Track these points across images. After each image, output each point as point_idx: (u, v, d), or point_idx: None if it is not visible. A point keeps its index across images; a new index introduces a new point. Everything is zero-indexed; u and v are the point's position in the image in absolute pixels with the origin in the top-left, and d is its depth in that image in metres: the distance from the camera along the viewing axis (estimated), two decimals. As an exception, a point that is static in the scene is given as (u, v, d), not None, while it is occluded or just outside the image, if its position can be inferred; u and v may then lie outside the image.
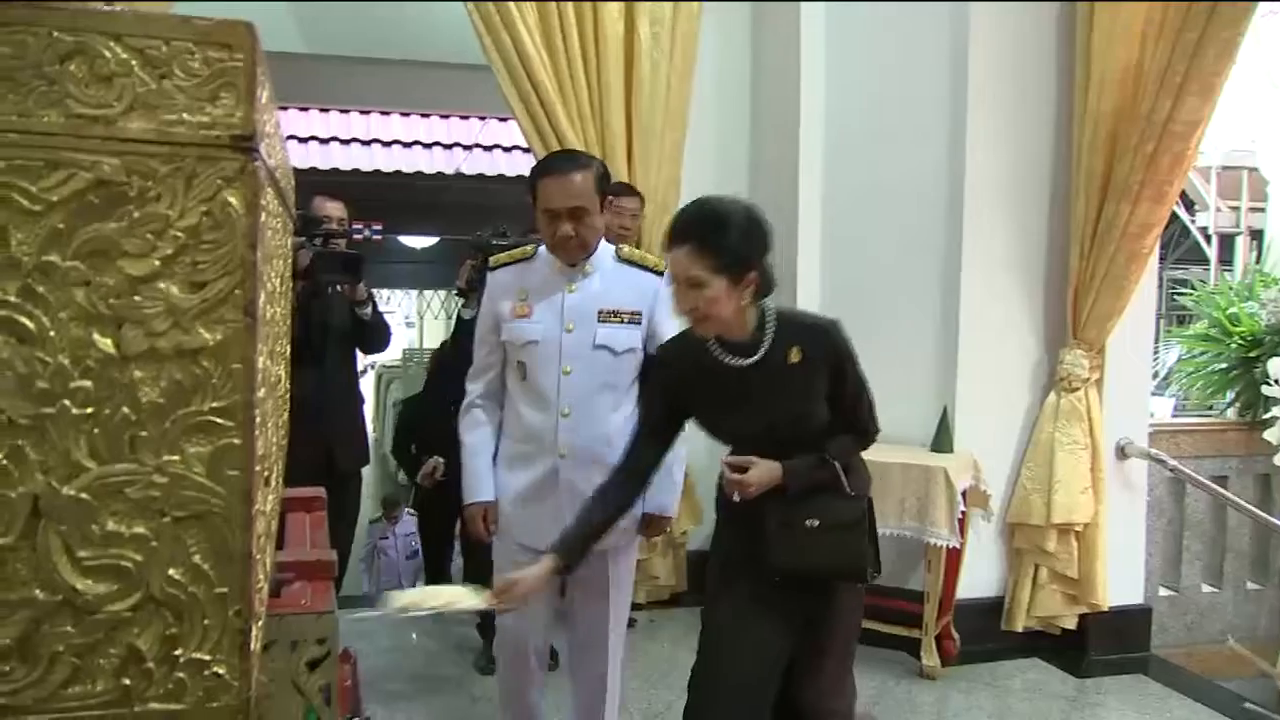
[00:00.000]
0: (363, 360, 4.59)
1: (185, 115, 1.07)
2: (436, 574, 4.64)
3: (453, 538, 4.61)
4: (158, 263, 1.07)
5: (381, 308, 4.24)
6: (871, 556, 2.46)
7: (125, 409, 1.08)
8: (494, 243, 3.78)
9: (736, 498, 2.37)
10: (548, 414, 2.73)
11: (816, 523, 2.38)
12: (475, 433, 2.86)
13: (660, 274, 2.78)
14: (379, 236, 3.86)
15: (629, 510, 2.56)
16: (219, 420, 1.09)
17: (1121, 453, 4.43)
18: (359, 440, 4.19)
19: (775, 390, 2.35)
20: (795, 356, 2.33)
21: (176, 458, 1.09)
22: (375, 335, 4.03)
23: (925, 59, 4.41)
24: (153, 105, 1.07)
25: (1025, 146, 4.35)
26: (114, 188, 1.06)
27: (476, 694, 3.95)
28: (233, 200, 1.08)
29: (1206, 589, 5.05)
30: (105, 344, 1.07)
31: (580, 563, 2.45)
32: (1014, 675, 4.30)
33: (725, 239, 2.23)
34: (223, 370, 1.09)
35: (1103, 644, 4.41)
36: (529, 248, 2.87)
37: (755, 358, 2.34)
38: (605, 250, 2.82)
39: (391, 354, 12.23)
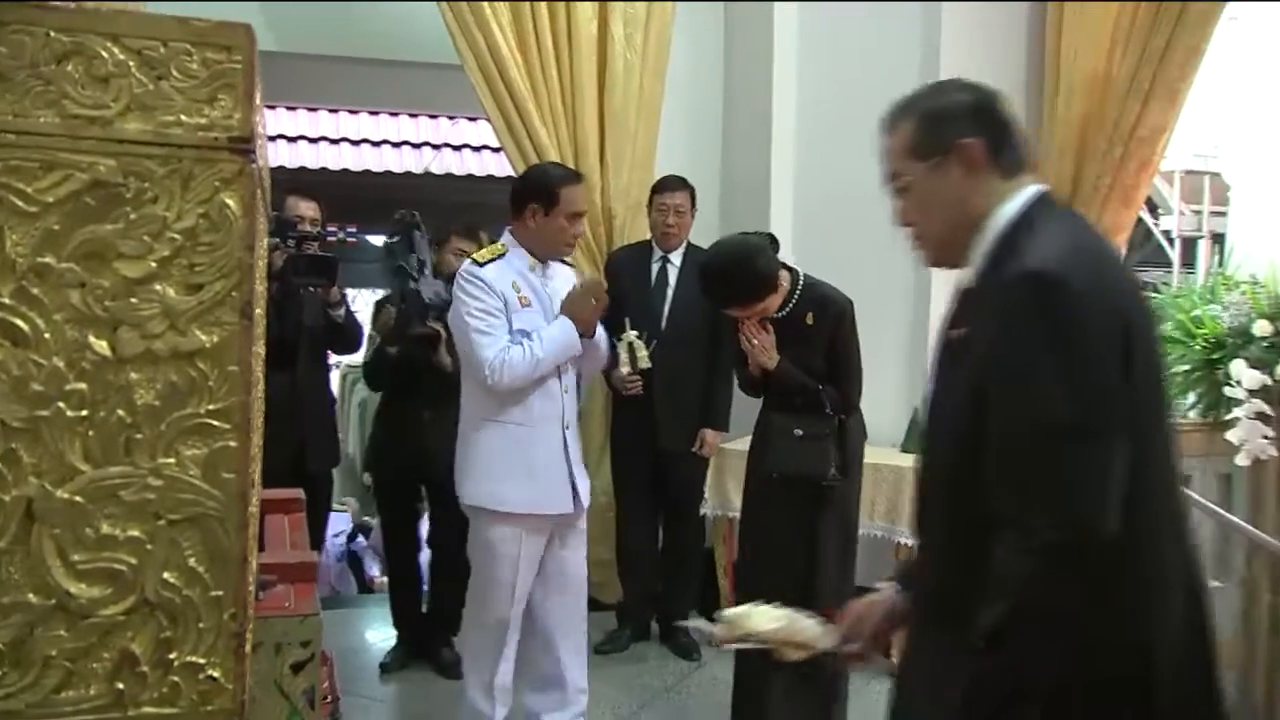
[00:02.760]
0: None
1: (183, 117, 1.07)
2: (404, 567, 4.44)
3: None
4: (154, 264, 1.07)
5: (351, 308, 4.24)
6: (839, 463, 3.14)
7: (120, 411, 1.08)
8: (425, 300, 3.71)
9: (747, 344, 3.15)
10: (554, 391, 3.11)
11: (800, 432, 3.11)
12: (529, 342, 3.03)
13: (573, 267, 3.42)
14: (353, 240, 3.83)
15: None
16: (216, 423, 1.09)
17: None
18: (330, 440, 4.18)
19: (790, 341, 3.13)
20: (810, 320, 3.13)
21: (172, 460, 1.09)
22: (348, 336, 4.02)
23: (897, 63, 4.43)
24: (150, 106, 1.07)
25: (995, 150, 4.39)
26: (110, 189, 1.06)
27: (436, 694, 3.92)
28: (230, 202, 1.08)
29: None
30: (101, 346, 1.07)
31: None
32: (983, 673, 4.33)
33: (750, 283, 3.05)
34: (219, 372, 1.09)
35: (1070, 641, 4.45)
36: (499, 245, 3.14)
37: (782, 314, 3.13)
38: None
39: (357, 354, 12.12)
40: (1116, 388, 1.39)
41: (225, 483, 1.10)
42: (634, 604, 4.44)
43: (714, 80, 5.11)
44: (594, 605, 4.58)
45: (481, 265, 3.10)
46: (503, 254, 3.10)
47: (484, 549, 3.10)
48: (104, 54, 1.05)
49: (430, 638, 4.14)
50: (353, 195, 8.14)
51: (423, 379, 3.83)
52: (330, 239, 3.81)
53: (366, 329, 4.22)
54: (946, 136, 1.55)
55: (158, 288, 1.07)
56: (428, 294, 3.70)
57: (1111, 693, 1.41)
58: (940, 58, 4.28)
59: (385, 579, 6.66)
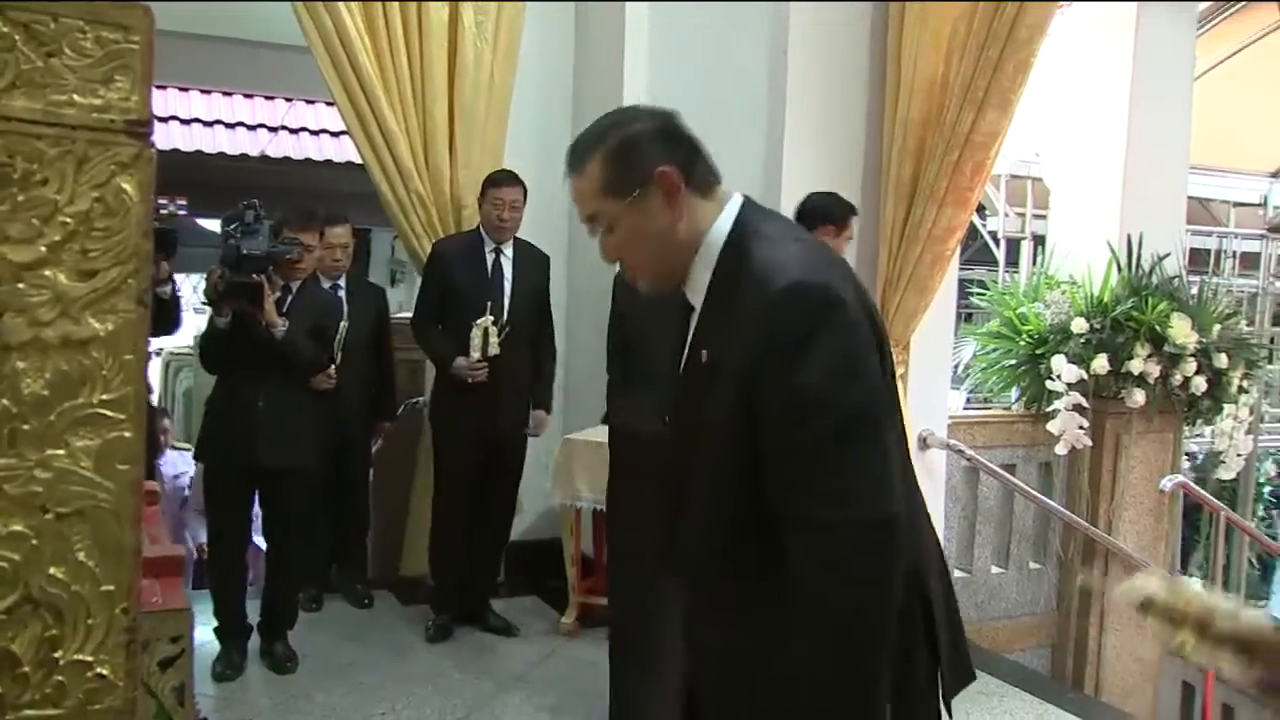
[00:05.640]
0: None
1: (76, 96, 1.03)
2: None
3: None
4: (44, 249, 1.03)
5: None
6: None
7: (5, 401, 1.03)
8: (244, 251, 3.62)
9: None
10: None
11: None
12: None
13: None
14: (183, 212, 3.68)
15: None
16: (109, 413, 1.06)
17: (924, 443, 4.68)
18: (151, 427, 4.00)
19: None
20: None
21: (61, 452, 1.05)
22: (171, 315, 3.82)
23: (746, 60, 4.54)
24: (39, 84, 1.02)
25: (838, 151, 4.53)
26: (-5, 169, 1.01)
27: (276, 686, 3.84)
28: (127, 187, 1.05)
29: (995, 570, 5.40)
30: (-16, 333, 1.02)
31: None
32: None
33: None
34: (114, 361, 1.05)
35: (904, 624, 4.64)
36: None
37: None
38: None
39: (183, 339, 11.61)
40: (880, 383, 1.51)
41: (119, 474, 1.06)
42: (447, 592, 4.40)
43: (564, 74, 5.13)
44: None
45: None
46: None
47: None
48: (-13, 27, 1.00)
49: (264, 633, 4.01)
50: (182, 178, 7.81)
51: (257, 360, 3.70)
52: (162, 210, 3.63)
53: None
54: (641, 169, 1.53)
55: (48, 273, 1.03)
56: (246, 247, 3.59)
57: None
58: (788, 56, 4.39)
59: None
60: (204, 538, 6.25)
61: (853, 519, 1.42)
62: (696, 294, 1.60)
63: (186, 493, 6.49)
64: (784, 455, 1.46)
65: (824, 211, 3.79)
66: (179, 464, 6.58)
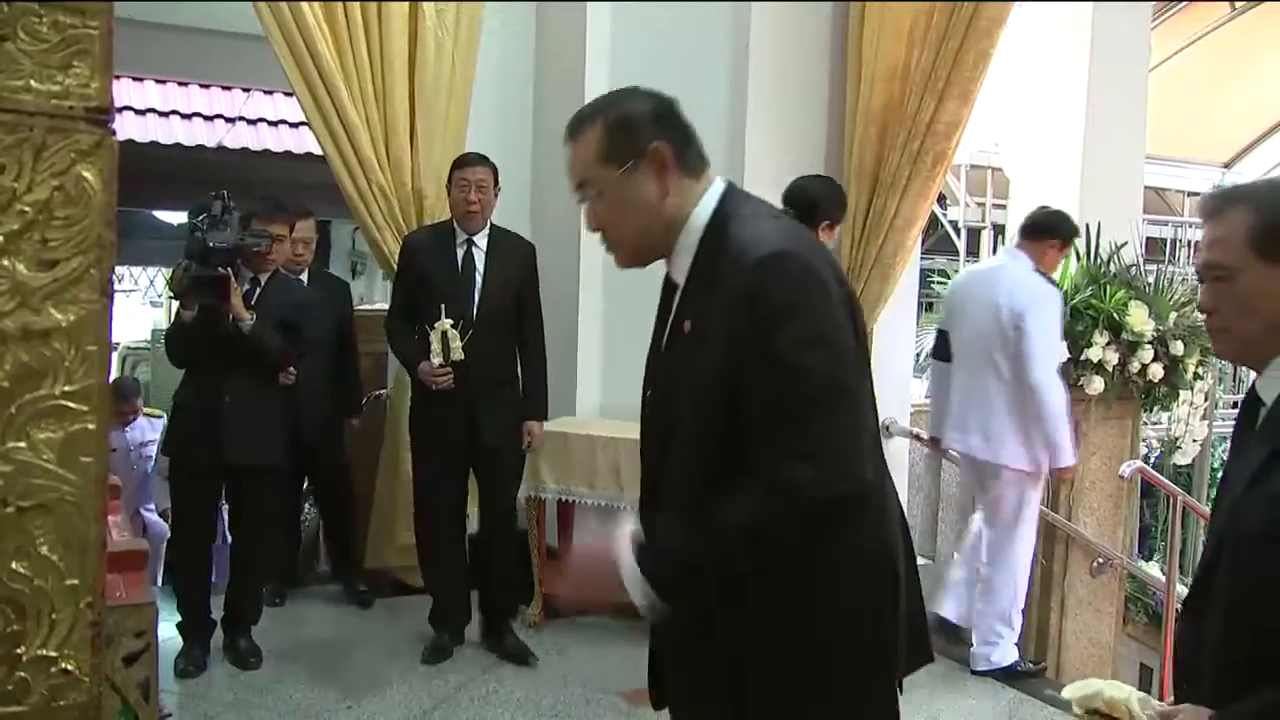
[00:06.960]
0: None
1: (33, 82, 1.01)
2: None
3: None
4: (1, 238, 1.01)
5: (130, 285, 4.01)
6: None
7: (-37, 393, 1.01)
8: (210, 244, 3.53)
9: None
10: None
11: None
12: None
13: None
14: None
15: None
16: (72, 405, 1.04)
17: (886, 431, 4.71)
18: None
19: None
20: None
21: (23, 444, 1.03)
22: None
23: (707, 53, 4.54)
24: (-6, 69, 1.00)
25: (802, 140, 4.54)
26: (-51, 156, 0.99)
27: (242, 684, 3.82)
28: (88, 175, 1.03)
29: (958, 556, 5.44)
30: (-59, 324, 1.00)
31: None
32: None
33: None
34: (76, 352, 1.04)
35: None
36: None
37: None
38: None
39: (139, 334, 11.49)
40: (853, 355, 1.56)
41: (83, 467, 1.04)
42: (445, 608, 4.08)
43: (525, 64, 5.09)
44: (405, 589, 4.57)
45: None
46: None
47: (1028, 505, 4.14)
48: (-61, 10, 0.98)
49: (227, 629, 3.95)
50: (138, 167, 7.70)
51: (223, 354, 3.64)
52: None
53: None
54: (636, 142, 1.60)
55: (6, 263, 1.01)
56: (212, 240, 3.51)
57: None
58: (749, 46, 4.40)
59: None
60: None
61: (819, 481, 1.46)
62: (680, 272, 1.66)
63: (152, 463, 6.34)
64: (763, 416, 1.51)
65: (1050, 227, 4.06)
66: (147, 431, 6.42)
